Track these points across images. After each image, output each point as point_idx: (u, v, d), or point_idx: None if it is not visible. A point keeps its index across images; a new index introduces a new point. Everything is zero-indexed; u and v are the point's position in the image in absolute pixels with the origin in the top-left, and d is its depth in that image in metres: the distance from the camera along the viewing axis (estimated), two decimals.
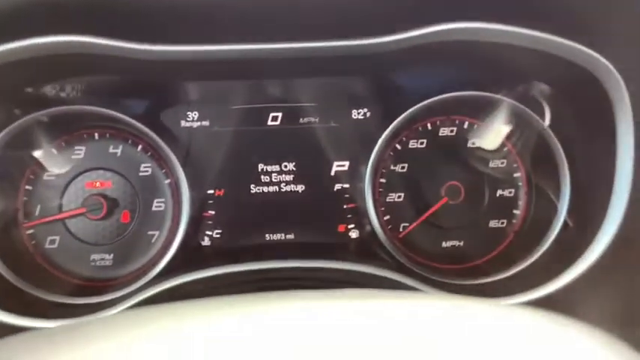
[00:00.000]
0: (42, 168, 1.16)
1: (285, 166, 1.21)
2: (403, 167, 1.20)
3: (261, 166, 1.21)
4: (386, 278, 1.11)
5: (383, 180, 1.20)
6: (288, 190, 1.22)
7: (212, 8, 0.92)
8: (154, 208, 1.18)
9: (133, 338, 0.52)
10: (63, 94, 1.12)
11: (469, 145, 1.19)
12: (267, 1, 0.91)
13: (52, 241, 1.17)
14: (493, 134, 1.18)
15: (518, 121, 1.15)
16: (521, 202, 1.20)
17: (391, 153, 1.20)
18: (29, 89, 1.07)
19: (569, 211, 1.11)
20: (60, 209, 1.16)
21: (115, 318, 0.65)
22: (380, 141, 1.16)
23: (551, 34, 0.92)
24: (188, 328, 0.54)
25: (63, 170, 1.17)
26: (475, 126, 1.19)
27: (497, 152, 1.19)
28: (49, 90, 1.10)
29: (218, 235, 1.21)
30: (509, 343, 0.46)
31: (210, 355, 0.48)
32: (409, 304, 0.53)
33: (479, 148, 1.19)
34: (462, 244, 1.21)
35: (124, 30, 0.92)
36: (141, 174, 1.18)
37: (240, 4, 0.91)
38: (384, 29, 0.96)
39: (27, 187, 1.16)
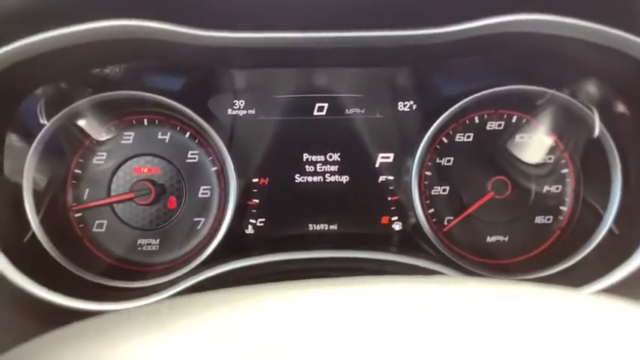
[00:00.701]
0: (91, 152, 1.18)
1: (330, 157, 1.22)
2: (449, 160, 1.20)
3: (306, 156, 1.22)
4: (430, 271, 1.11)
5: (428, 173, 1.20)
6: (333, 180, 1.22)
7: None
8: (200, 195, 1.19)
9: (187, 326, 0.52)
10: (114, 79, 1.13)
11: (517, 139, 1.18)
12: None
13: (100, 225, 1.18)
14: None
15: (568, 117, 1.14)
16: (568, 199, 1.19)
17: (437, 146, 1.20)
18: (82, 73, 1.09)
19: (618, 214, 1.10)
20: (108, 194, 1.18)
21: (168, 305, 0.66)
22: (427, 134, 1.16)
23: (612, 27, 0.90)
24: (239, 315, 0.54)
25: (112, 155, 1.18)
26: (524, 120, 1.18)
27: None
28: (101, 74, 1.11)
29: (262, 224, 1.22)
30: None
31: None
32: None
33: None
34: (506, 239, 1.20)
35: (178, 15, 0.93)
36: (188, 160, 1.19)
37: None
38: (440, 20, 0.95)
39: (76, 170, 1.17)
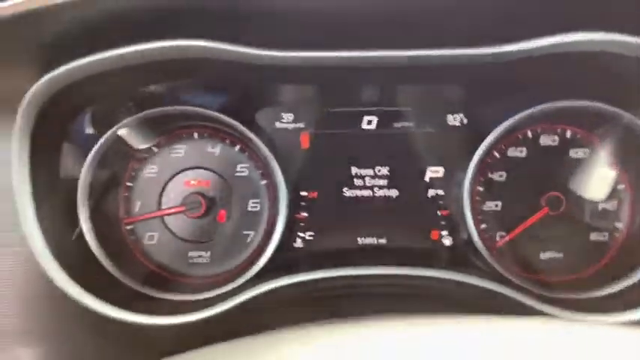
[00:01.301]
0: (143, 165, 1.19)
1: (379, 170, 1.21)
2: (502, 175, 1.18)
3: (355, 170, 1.21)
4: (481, 287, 1.09)
5: (480, 188, 1.18)
6: (381, 194, 1.21)
7: (325, 16, 0.92)
8: (249, 209, 1.20)
9: None
10: (165, 95, 1.13)
11: (571, 154, 1.16)
12: (382, 9, 0.91)
13: (151, 237, 1.19)
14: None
15: (627, 135, 1.11)
16: (625, 215, 1.16)
17: (489, 161, 1.18)
18: (135, 90, 1.10)
19: None
20: (159, 206, 1.19)
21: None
22: (479, 149, 1.14)
23: None
24: None
25: (163, 168, 1.19)
26: (579, 135, 1.16)
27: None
28: (152, 90, 1.12)
29: (311, 238, 1.21)
30: None
31: None
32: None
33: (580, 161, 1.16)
34: (560, 256, 1.17)
35: (234, 34, 0.94)
36: (238, 174, 1.20)
37: (355, 12, 0.92)
38: (499, 39, 0.94)
39: (128, 183, 1.19)
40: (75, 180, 1.10)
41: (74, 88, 0.97)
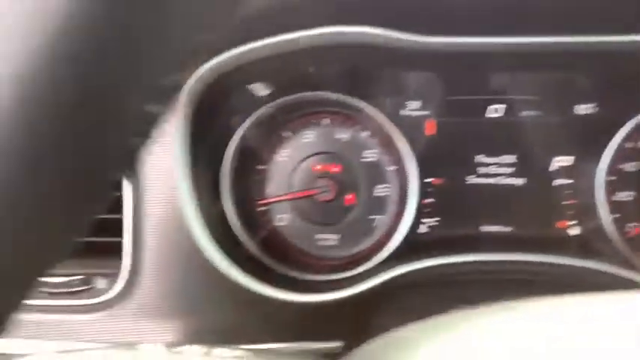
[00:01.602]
0: (276, 149, 1.23)
1: (505, 159, 1.21)
2: (634, 166, 1.17)
3: (480, 158, 1.22)
4: (612, 276, 1.09)
5: (611, 178, 1.18)
6: (507, 182, 1.22)
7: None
8: (378, 194, 1.22)
9: None
10: (303, 80, 1.17)
11: None
12: None
13: (281, 219, 1.24)
14: None
15: None
16: None
17: (622, 151, 1.17)
18: (282, 75, 1.14)
19: None
20: (289, 189, 1.23)
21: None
22: (613, 139, 1.15)
23: None
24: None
25: (294, 152, 1.23)
26: None
27: None
28: (294, 75, 1.16)
29: (437, 223, 1.23)
30: None
31: None
32: None
33: None
34: None
35: (397, 22, 0.96)
36: (367, 159, 1.22)
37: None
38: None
39: (261, 167, 1.23)
40: (220, 160, 1.15)
41: (231, 73, 1.01)
